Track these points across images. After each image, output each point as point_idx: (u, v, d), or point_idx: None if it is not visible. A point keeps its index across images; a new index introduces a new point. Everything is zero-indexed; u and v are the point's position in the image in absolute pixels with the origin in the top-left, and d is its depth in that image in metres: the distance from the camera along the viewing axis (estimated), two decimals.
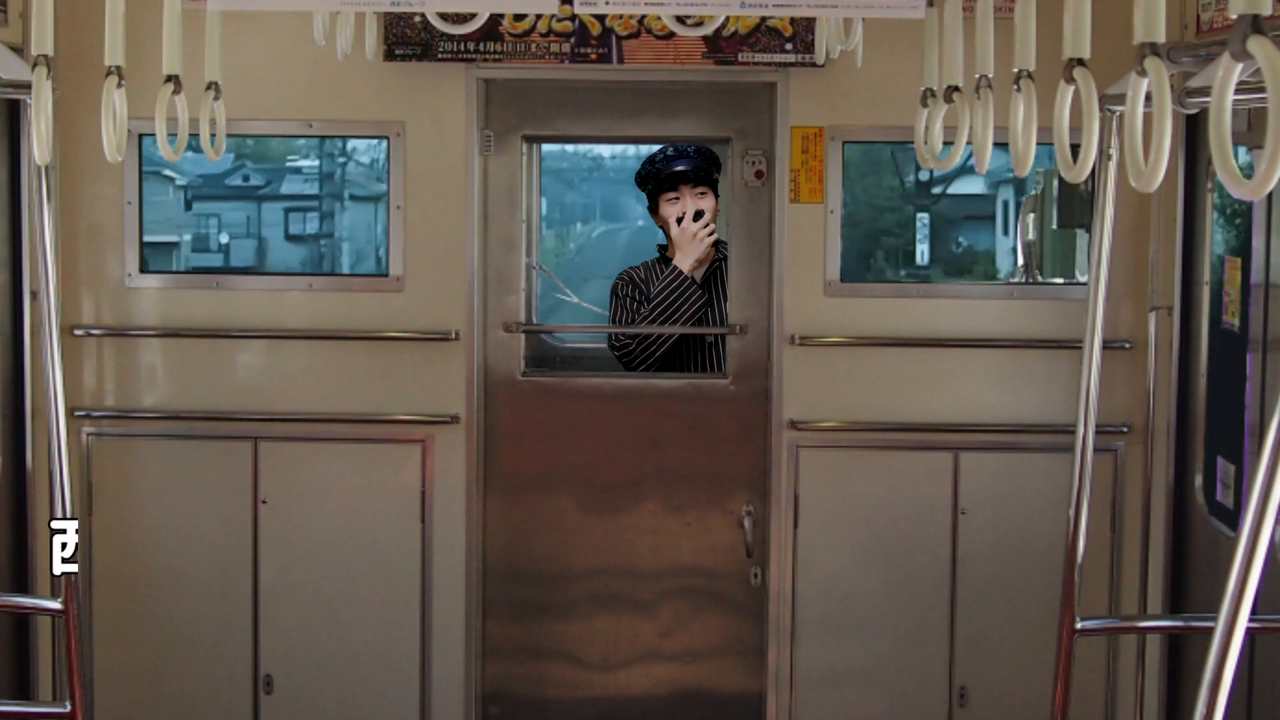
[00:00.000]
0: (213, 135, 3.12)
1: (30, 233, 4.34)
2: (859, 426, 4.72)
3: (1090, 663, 4.61)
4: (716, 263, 5.04)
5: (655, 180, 5.10)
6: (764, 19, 4.52)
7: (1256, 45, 1.68)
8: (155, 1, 2.96)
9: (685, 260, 4.97)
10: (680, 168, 5.04)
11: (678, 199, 5.05)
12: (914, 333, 4.71)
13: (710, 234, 4.97)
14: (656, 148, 5.19)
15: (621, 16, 4.54)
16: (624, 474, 4.83)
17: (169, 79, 2.94)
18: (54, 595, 3.24)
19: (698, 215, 4.97)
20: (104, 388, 4.75)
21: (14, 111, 4.31)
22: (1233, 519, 4.11)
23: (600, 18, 4.54)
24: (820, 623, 4.77)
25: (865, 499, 4.74)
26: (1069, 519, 3.25)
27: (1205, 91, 2.49)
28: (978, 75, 2.74)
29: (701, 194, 5.02)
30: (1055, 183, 5.38)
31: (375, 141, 6.38)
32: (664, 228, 5.14)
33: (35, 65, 2.68)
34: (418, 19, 4.52)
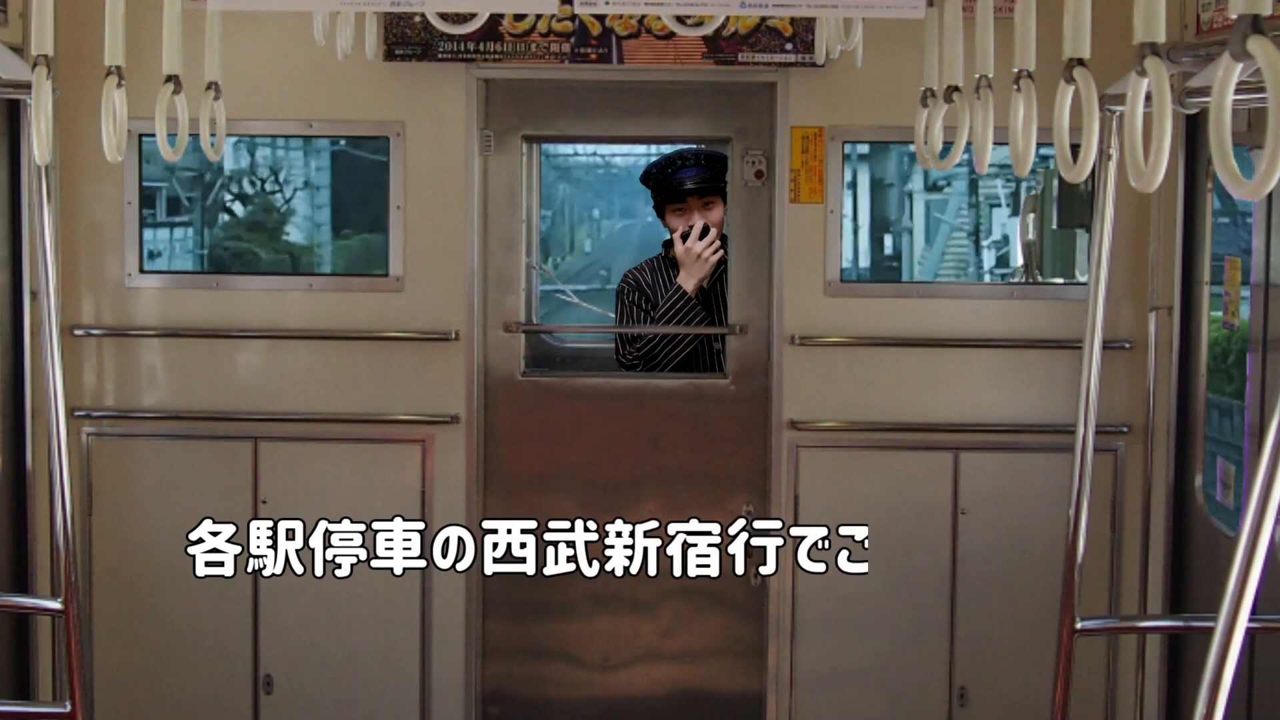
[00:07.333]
0: (212, 135, 3.12)
1: (30, 233, 4.34)
2: (859, 426, 4.72)
3: (1090, 663, 4.61)
4: (721, 269, 4.93)
5: (660, 188, 5.02)
6: (764, 19, 4.52)
7: (1256, 45, 1.68)
8: (155, 1, 2.96)
9: (689, 280, 4.89)
10: (688, 184, 4.94)
11: (682, 211, 4.97)
12: (914, 333, 4.71)
13: (715, 252, 4.85)
14: (667, 148, 5.14)
15: (621, 16, 4.54)
16: (624, 474, 4.82)
17: (169, 79, 2.94)
18: (54, 595, 3.24)
19: (705, 230, 4.87)
20: (104, 388, 4.75)
21: (14, 111, 4.31)
22: (1232, 519, 4.11)
23: (600, 18, 4.54)
24: (820, 623, 4.77)
25: (865, 499, 4.74)
26: (1069, 519, 3.25)
27: (1205, 91, 2.49)
28: (978, 75, 2.74)
29: (709, 205, 4.94)
30: (1055, 183, 5.39)
31: None
32: (669, 228, 5.10)
33: (35, 65, 2.68)
34: (418, 19, 4.52)
